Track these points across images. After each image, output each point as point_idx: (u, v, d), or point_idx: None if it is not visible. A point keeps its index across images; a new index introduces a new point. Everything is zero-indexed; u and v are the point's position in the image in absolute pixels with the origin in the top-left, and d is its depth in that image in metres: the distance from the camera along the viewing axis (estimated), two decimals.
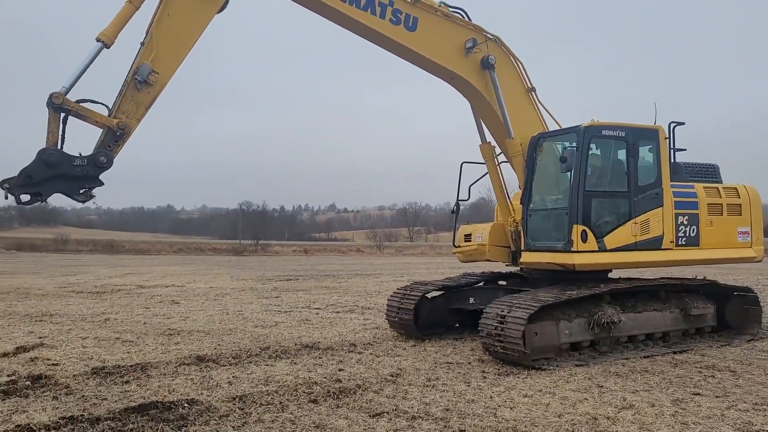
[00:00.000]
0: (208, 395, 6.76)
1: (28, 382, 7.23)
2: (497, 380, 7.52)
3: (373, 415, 6.06)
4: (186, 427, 5.70)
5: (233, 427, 5.71)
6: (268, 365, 8.34)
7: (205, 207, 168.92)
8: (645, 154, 9.65)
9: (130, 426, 5.68)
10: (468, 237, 10.80)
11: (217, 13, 7.71)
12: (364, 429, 5.65)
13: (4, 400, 6.54)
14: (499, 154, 10.37)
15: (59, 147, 6.56)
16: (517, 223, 9.95)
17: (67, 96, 6.53)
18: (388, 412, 6.15)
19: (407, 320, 10.10)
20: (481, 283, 10.92)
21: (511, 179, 10.48)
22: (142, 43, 7.14)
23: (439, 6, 9.19)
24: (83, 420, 5.83)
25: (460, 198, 10.88)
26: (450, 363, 8.50)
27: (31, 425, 5.63)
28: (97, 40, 6.76)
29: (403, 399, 6.66)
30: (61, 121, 6.57)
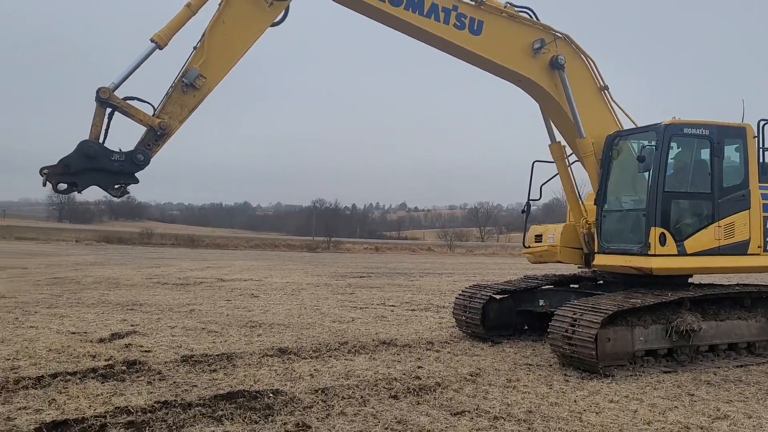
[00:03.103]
0: (292, 386, 6.94)
1: (123, 367, 7.64)
2: (580, 384, 7.34)
3: (454, 414, 6.04)
4: (272, 416, 5.86)
5: (317, 418, 5.83)
6: (347, 360, 8.47)
7: (279, 204, 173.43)
8: (731, 153, 9.16)
9: (220, 412, 5.90)
10: (539, 237, 10.56)
11: (275, 26, 7.71)
12: (446, 427, 5.65)
13: (103, 383, 6.94)
14: (570, 155, 10.10)
15: (101, 141, 6.62)
16: (589, 224, 9.65)
17: (114, 92, 6.59)
18: (469, 411, 6.12)
19: (475, 320, 10.01)
20: (551, 286, 10.66)
21: (583, 179, 10.20)
22: (195, 48, 7.22)
23: (505, 7, 8.94)
24: (176, 405, 6.10)
25: (531, 198, 10.65)
26: (530, 365, 8.37)
27: (129, 408, 5.94)
28: (151, 40, 6.82)
29: (484, 399, 6.61)
30: (106, 115, 6.64)
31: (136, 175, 6.86)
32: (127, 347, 8.95)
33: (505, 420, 5.87)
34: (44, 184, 6.45)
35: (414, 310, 14.26)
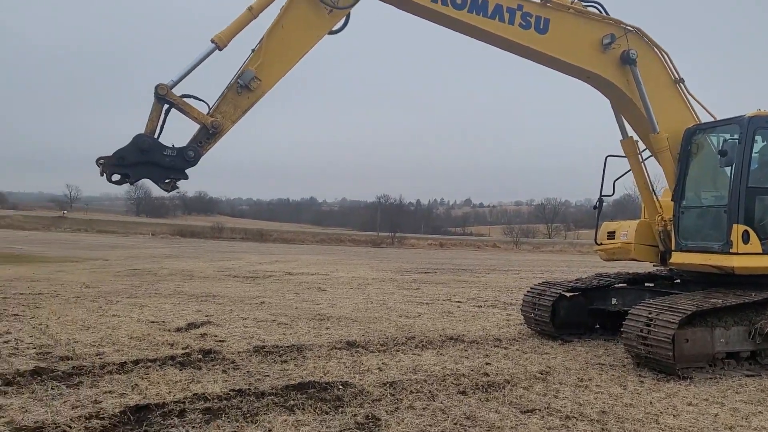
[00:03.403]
0: (360, 379, 7.02)
1: (200, 356, 7.93)
2: (656, 385, 7.10)
3: (524, 411, 5.97)
4: (342, 407, 5.95)
5: (386, 411, 5.88)
6: (415, 354, 8.50)
7: (344, 200, 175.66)
8: None
9: (291, 402, 6.04)
10: (611, 234, 10.25)
11: (334, 33, 7.66)
12: (516, 425, 5.58)
13: (181, 370, 7.23)
14: (643, 150, 9.74)
15: (156, 136, 6.74)
16: (665, 221, 9.30)
17: (172, 89, 6.69)
18: (539, 410, 6.03)
19: (544, 318, 9.83)
20: (625, 284, 10.33)
21: (657, 175, 9.81)
22: (253, 50, 7.24)
23: (572, 3, 8.62)
24: (250, 393, 6.29)
25: (603, 193, 10.33)
26: (602, 364, 8.17)
27: (205, 395, 6.17)
28: (212, 41, 6.90)
29: (555, 398, 6.50)
30: (163, 111, 6.76)
31: (187, 171, 6.94)
32: (202, 336, 9.29)
33: (577, 420, 5.76)
34: (101, 174, 6.58)
35: (480, 306, 14.15)
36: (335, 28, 7.66)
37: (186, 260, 28.13)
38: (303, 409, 5.85)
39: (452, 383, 6.94)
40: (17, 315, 10.73)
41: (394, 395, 6.41)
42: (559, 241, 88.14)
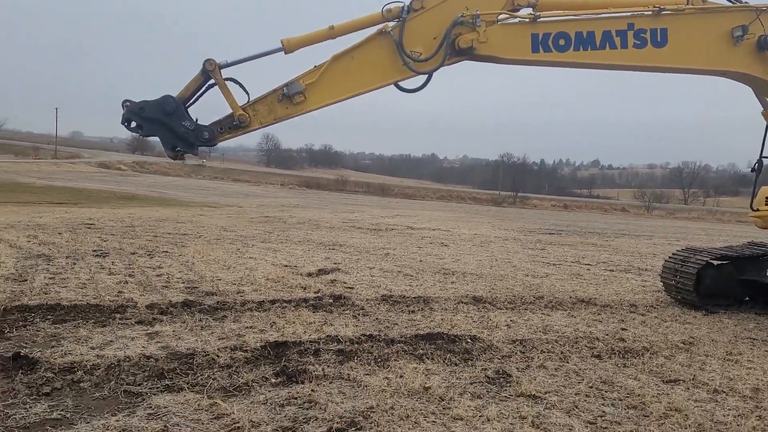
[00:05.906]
0: (489, 334, 6.93)
1: (330, 300, 8.20)
2: None
3: (666, 381, 5.62)
4: (471, 360, 5.91)
5: (517, 368, 5.76)
6: (544, 314, 8.27)
7: (466, 157, 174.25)
8: None
9: (420, 351, 6.09)
10: None
11: (411, 92, 7.08)
12: (658, 394, 5.26)
13: (314, 312, 7.51)
14: None
15: (186, 104, 6.63)
16: None
17: (221, 70, 6.52)
18: (684, 381, 5.65)
19: (687, 286, 9.14)
20: None
21: None
22: (315, 66, 6.83)
23: (688, 1, 7.42)
24: (380, 339, 6.42)
25: (763, 154, 9.31)
26: (754, 339, 7.52)
27: (338, 337, 6.38)
28: (281, 42, 6.68)
29: (701, 370, 6.06)
30: (204, 85, 6.62)
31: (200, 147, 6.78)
32: (332, 282, 9.58)
33: (727, 395, 5.34)
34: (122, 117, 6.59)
35: (612, 270, 13.50)
36: (415, 86, 7.08)
37: (312, 210, 29.20)
38: (432, 358, 5.88)
39: (585, 346, 6.68)
40: (167, 252, 11.65)
41: (524, 353, 6.27)
42: (696, 208, 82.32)
